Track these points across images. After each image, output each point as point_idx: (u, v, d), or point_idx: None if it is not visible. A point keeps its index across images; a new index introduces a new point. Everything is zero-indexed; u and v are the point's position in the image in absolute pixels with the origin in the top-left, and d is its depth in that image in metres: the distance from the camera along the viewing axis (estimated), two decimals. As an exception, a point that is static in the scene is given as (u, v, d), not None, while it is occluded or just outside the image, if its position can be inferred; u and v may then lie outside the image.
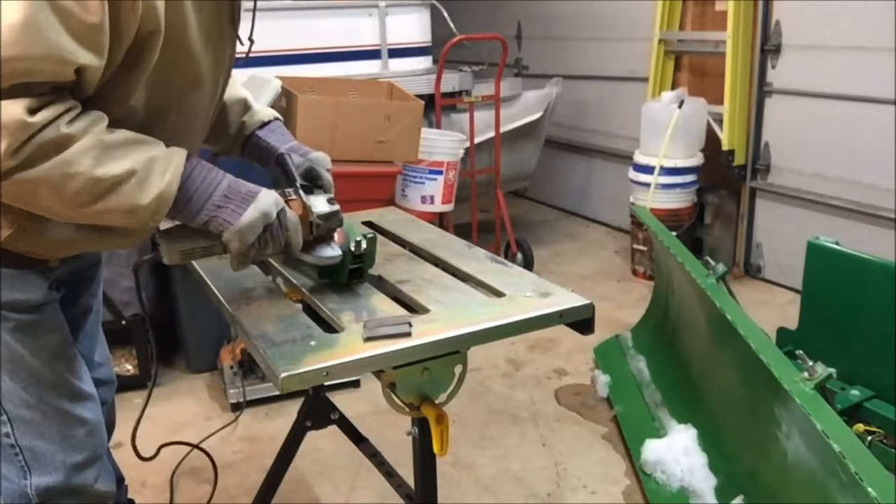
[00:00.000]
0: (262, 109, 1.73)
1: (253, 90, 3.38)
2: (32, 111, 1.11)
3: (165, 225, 1.36)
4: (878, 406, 2.44)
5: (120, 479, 1.96)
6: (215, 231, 1.32)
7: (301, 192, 1.46)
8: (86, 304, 1.74)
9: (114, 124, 1.23)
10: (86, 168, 1.16)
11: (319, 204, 1.45)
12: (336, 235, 1.49)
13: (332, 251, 1.47)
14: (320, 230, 1.45)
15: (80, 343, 1.70)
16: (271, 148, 1.64)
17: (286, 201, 1.40)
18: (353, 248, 1.51)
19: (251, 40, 1.53)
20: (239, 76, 3.85)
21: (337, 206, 1.47)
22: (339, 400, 2.24)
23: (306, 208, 1.43)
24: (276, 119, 1.73)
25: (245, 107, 1.71)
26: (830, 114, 3.82)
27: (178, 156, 1.27)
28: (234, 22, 1.45)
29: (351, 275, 1.55)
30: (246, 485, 2.55)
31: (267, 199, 1.33)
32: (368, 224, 1.95)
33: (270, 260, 1.72)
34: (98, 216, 1.23)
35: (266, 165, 1.64)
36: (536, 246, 4.66)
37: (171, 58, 1.26)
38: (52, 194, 1.17)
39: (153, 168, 1.23)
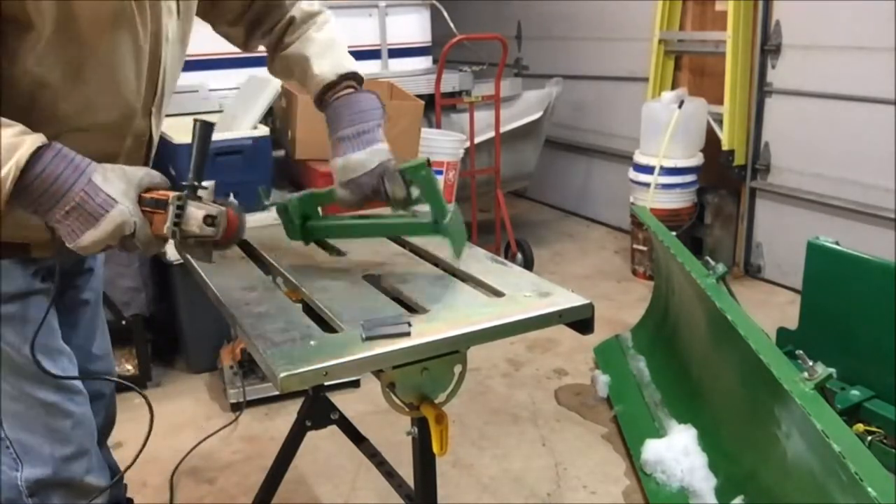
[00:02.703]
0: (321, 72, 1.57)
1: (253, 90, 3.40)
2: None
3: None
4: (878, 406, 2.45)
5: (117, 471, 1.95)
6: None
7: (184, 201, 1.25)
8: (82, 296, 1.72)
9: (30, 94, 1.21)
10: None
11: (192, 222, 1.26)
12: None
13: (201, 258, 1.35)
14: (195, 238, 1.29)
15: (78, 335, 1.69)
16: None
17: (150, 211, 1.24)
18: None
19: None
20: (238, 76, 3.84)
21: (209, 230, 1.26)
22: (339, 400, 2.24)
23: (167, 227, 1.24)
24: (347, 80, 1.56)
25: (304, 67, 1.60)
26: (830, 114, 3.82)
27: (24, 147, 1.15)
28: None
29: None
30: (246, 485, 2.55)
31: (109, 225, 1.19)
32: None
33: (270, 260, 1.73)
34: None
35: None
36: (536, 246, 4.66)
37: (58, 17, 1.20)
38: None
39: None
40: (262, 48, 1.73)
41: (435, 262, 1.73)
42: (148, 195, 1.24)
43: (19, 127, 1.18)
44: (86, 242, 1.20)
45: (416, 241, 1.84)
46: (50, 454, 1.51)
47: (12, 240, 1.39)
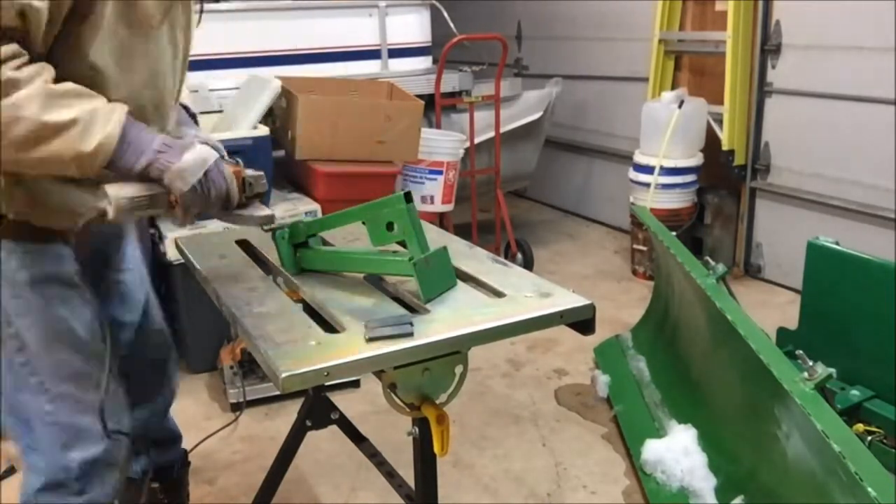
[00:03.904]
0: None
1: (252, 91, 3.40)
2: None
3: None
4: (878, 406, 2.45)
5: (178, 437, 2.20)
6: (157, 175, 1.37)
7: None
8: (115, 276, 1.85)
9: (84, 80, 1.34)
10: (32, 113, 1.25)
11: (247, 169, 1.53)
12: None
13: (262, 211, 1.56)
14: (252, 189, 1.52)
15: (115, 309, 1.83)
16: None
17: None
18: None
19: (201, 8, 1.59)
20: (238, 76, 3.84)
21: (261, 171, 1.55)
22: (340, 400, 2.24)
23: (239, 166, 1.51)
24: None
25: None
26: (830, 114, 3.82)
27: (119, 110, 1.35)
28: None
29: None
30: (246, 485, 2.55)
31: (204, 148, 1.43)
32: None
33: (268, 257, 1.73)
34: (43, 163, 1.31)
35: None
36: (536, 246, 4.66)
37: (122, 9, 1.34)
38: None
39: (96, 118, 1.32)
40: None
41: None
42: None
43: (104, 97, 1.36)
44: (189, 159, 1.38)
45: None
46: (100, 433, 1.58)
47: (51, 226, 1.52)
